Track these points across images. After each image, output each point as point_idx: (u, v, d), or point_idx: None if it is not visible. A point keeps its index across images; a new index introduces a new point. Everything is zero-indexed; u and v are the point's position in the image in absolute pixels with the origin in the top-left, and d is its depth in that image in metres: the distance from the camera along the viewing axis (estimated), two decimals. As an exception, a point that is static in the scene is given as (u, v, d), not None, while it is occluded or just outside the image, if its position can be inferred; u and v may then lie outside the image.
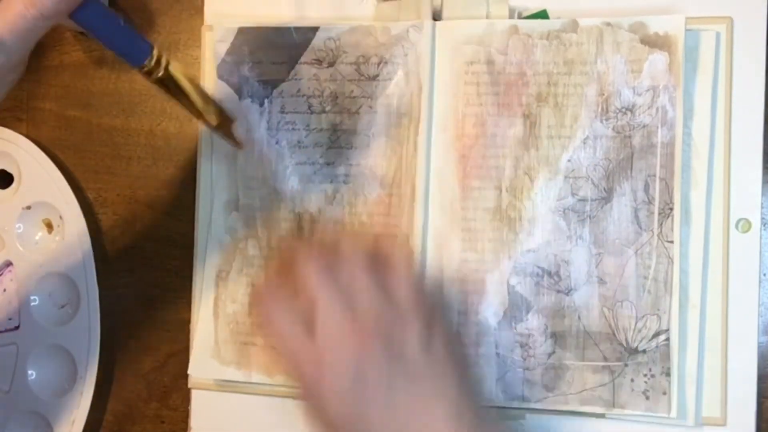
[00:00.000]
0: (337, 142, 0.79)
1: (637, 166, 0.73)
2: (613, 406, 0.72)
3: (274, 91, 0.80)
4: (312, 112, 0.79)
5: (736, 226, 0.74)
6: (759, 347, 0.74)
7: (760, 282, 0.74)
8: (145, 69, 0.68)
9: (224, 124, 0.76)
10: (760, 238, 0.74)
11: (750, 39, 0.74)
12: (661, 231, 0.72)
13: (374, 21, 0.79)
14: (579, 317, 0.73)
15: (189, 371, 0.81)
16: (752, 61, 0.74)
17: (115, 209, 0.86)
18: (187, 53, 0.85)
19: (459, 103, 0.76)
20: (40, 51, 0.87)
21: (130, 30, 0.68)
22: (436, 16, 0.77)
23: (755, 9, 0.74)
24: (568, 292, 0.74)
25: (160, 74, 0.68)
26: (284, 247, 0.77)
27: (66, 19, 0.63)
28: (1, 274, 0.85)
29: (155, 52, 0.68)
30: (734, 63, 0.74)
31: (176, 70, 0.70)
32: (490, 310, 0.75)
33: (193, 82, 0.72)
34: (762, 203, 0.74)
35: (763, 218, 0.74)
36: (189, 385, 0.82)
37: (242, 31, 0.80)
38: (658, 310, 0.72)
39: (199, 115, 0.74)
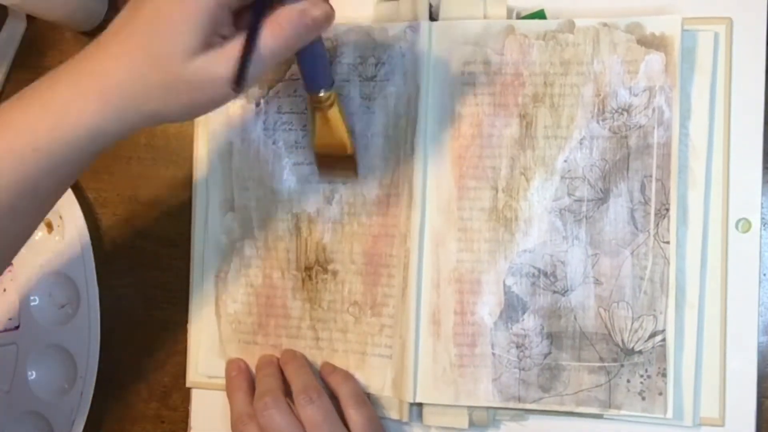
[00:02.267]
0: (335, 142, 0.79)
1: (633, 167, 0.73)
2: (609, 406, 0.72)
3: (271, 91, 0.80)
4: (309, 113, 0.80)
5: (736, 226, 0.74)
6: (759, 347, 0.74)
7: (760, 282, 0.74)
8: (316, 99, 0.71)
9: (348, 159, 0.77)
10: (760, 238, 0.74)
11: (750, 39, 0.74)
12: (657, 231, 0.72)
13: (372, 21, 0.79)
14: (575, 318, 0.73)
15: (199, 370, 0.82)
16: (752, 61, 0.74)
17: (115, 209, 0.86)
18: (187, 54, 0.85)
19: (455, 103, 0.76)
20: (40, 51, 0.88)
21: (327, 60, 0.71)
22: (434, 16, 0.77)
23: (755, 9, 0.74)
24: (564, 292, 0.74)
25: (323, 109, 0.72)
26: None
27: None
28: (1, 274, 0.85)
29: (333, 92, 0.71)
30: (733, 63, 0.74)
31: (334, 116, 0.73)
32: (486, 310, 0.75)
33: (341, 127, 0.74)
34: (762, 203, 0.74)
35: (763, 218, 0.74)
36: (187, 385, 0.83)
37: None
38: (654, 310, 0.72)
39: (329, 144, 0.75)
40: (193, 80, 0.58)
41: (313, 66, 0.69)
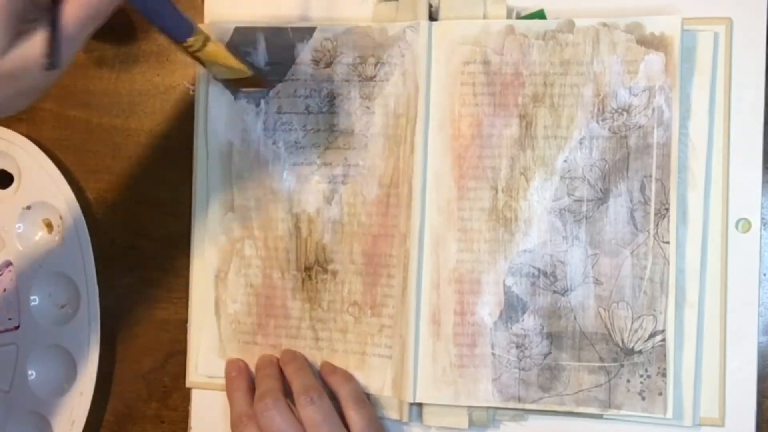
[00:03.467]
0: (335, 142, 0.79)
1: (633, 167, 0.73)
2: (609, 406, 0.72)
3: (271, 91, 0.80)
4: (309, 113, 0.79)
5: (736, 226, 0.74)
6: (759, 347, 0.74)
7: (760, 282, 0.74)
8: (187, 47, 0.70)
9: (255, 79, 0.79)
10: (760, 238, 0.74)
11: (749, 39, 0.74)
12: (657, 231, 0.72)
13: (372, 21, 0.79)
14: (575, 318, 0.73)
15: (199, 370, 0.82)
16: (752, 62, 0.74)
17: (115, 209, 0.86)
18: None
19: (455, 103, 0.76)
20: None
21: (175, 7, 0.68)
22: (434, 16, 0.77)
23: (755, 9, 0.74)
24: (564, 292, 0.74)
25: (198, 52, 0.71)
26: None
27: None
28: (1, 274, 0.86)
29: (200, 35, 0.70)
30: (733, 63, 0.74)
31: (213, 53, 0.72)
32: (486, 310, 0.75)
33: (228, 59, 0.75)
34: (762, 203, 0.74)
35: (763, 218, 0.74)
36: (187, 385, 0.83)
37: (238, 31, 0.80)
38: (654, 310, 0.72)
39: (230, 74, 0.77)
40: (13, 72, 0.59)
41: (161, 18, 0.67)
